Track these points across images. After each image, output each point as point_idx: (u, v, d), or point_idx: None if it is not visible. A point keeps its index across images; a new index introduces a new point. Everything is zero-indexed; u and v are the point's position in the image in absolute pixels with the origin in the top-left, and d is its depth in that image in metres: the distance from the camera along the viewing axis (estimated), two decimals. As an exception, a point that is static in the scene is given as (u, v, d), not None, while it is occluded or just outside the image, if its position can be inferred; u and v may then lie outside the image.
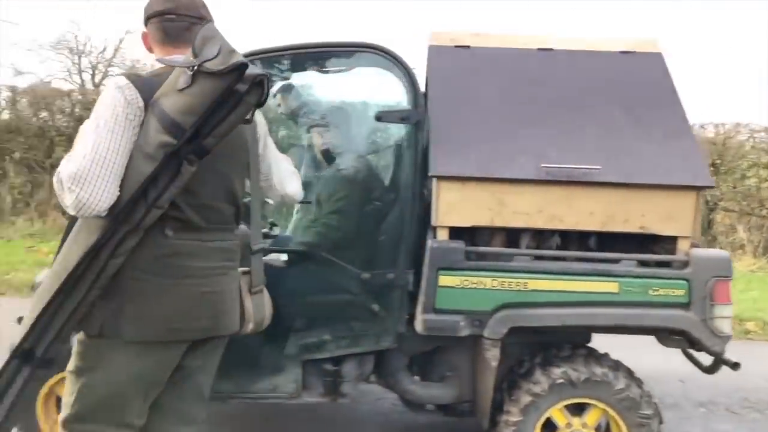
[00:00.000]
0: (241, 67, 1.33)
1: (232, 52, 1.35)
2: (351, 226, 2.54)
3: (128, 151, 1.42)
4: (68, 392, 1.53)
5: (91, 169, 1.35)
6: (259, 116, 1.80)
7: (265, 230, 2.73)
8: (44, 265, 5.56)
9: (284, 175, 1.95)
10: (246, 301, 1.75)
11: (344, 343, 2.39)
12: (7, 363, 1.47)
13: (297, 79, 2.72)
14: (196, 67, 1.35)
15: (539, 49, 2.52)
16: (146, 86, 1.46)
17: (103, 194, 1.36)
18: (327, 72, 2.52)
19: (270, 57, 2.39)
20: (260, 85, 1.38)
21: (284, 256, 2.61)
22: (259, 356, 2.39)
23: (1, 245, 7.13)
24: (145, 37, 1.67)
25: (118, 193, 1.39)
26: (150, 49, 1.66)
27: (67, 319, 1.42)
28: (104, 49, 10.47)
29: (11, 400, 1.45)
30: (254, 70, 1.36)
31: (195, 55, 1.38)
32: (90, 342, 1.50)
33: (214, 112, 1.37)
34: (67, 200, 1.37)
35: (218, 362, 1.75)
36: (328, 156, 2.69)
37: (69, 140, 7.70)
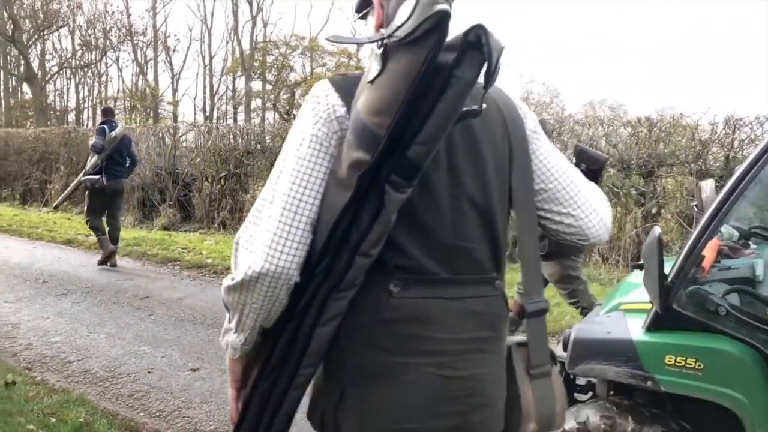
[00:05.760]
0: (441, 21, 0.86)
1: (434, 3, 0.86)
2: None
3: (323, 185, 1.02)
4: None
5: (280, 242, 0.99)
6: (524, 107, 1.22)
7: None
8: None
9: (581, 201, 1.21)
10: (523, 387, 1.13)
11: None
12: None
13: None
14: (384, 42, 0.94)
15: None
16: (352, 86, 1.03)
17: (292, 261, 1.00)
18: None
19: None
20: (478, 47, 0.89)
21: None
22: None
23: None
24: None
25: (306, 246, 1.01)
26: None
27: (278, 401, 1.05)
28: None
29: None
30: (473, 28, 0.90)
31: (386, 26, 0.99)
32: None
33: (417, 106, 0.91)
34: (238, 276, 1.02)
35: None
36: None
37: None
